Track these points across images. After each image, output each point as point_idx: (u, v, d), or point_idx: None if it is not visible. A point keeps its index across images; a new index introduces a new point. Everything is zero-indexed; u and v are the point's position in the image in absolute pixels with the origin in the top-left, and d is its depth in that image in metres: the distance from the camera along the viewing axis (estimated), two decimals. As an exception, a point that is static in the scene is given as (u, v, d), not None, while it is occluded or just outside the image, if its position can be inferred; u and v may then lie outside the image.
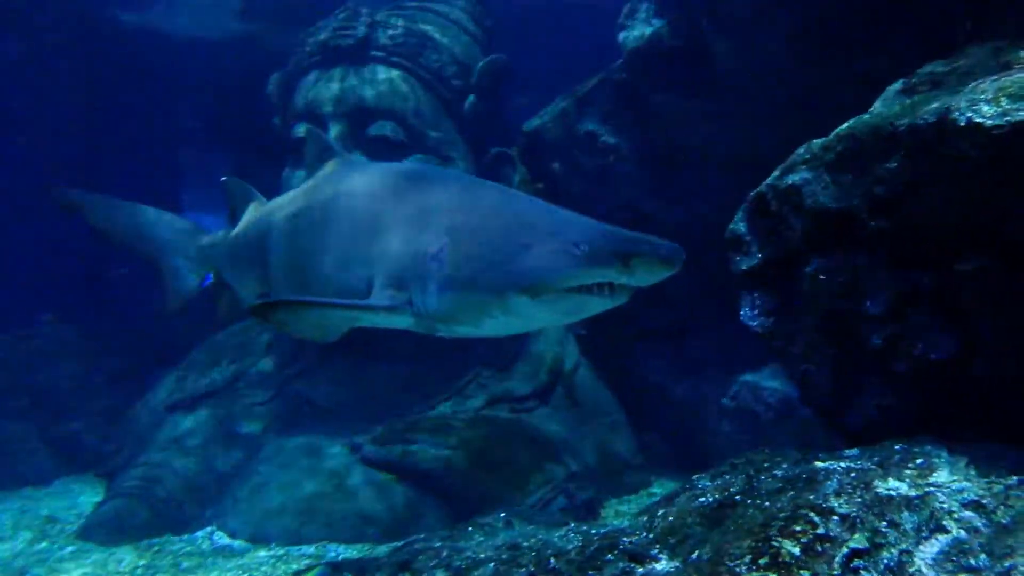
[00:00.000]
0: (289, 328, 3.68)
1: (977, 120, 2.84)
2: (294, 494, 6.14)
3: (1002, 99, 2.78)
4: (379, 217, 3.59)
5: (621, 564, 3.27)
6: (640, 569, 3.19)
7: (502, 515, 4.63)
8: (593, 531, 4.12)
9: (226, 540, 6.10)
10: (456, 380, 7.04)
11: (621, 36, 6.89)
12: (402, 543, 4.49)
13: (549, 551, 3.70)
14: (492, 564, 3.79)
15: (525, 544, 4.06)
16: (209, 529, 6.31)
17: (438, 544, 4.11)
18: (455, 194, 3.49)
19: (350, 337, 3.95)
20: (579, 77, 7.52)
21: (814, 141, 3.67)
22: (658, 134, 6.96)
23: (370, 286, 3.45)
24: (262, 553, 5.73)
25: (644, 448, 7.29)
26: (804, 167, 3.65)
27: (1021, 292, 3.12)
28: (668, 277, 3.06)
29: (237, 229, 5.05)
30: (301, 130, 7.03)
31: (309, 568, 4.73)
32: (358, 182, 3.95)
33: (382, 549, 5.29)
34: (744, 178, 4.08)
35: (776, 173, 3.81)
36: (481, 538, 4.36)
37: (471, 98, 7.77)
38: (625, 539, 3.55)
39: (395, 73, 7.53)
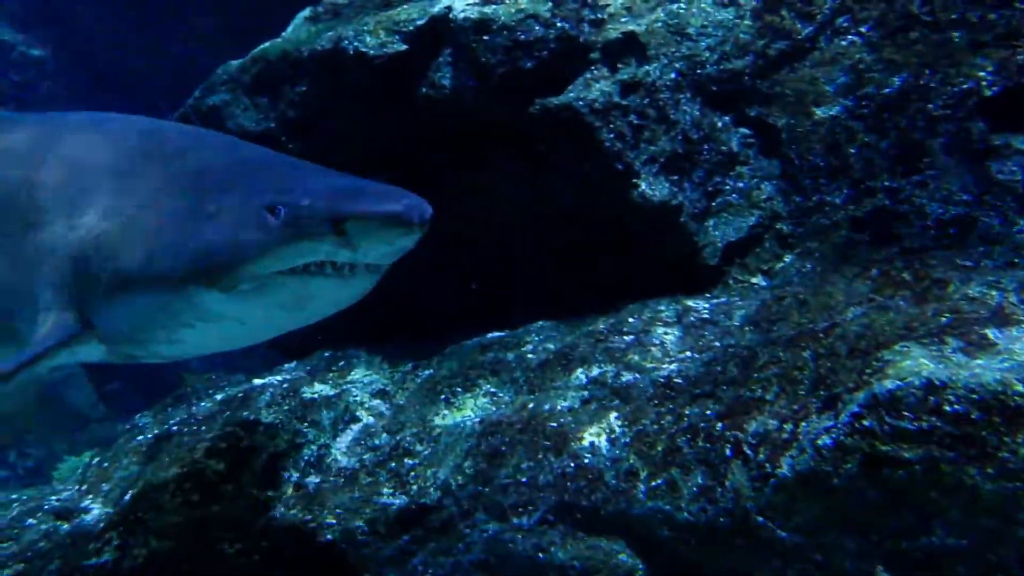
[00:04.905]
0: None
1: (363, 50, 3.14)
2: None
3: (380, 31, 3.10)
4: (32, 198, 2.41)
5: (44, 526, 2.96)
6: (66, 525, 2.94)
7: None
8: (21, 497, 3.67)
9: None
10: None
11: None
12: None
13: (-48, 536, 3.18)
14: None
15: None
16: None
17: None
18: (124, 148, 2.44)
19: None
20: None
21: (231, 63, 3.64)
22: (90, 50, 6.20)
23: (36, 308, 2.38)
24: None
25: (109, 397, 6.70)
26: (224, 88, 3.62)
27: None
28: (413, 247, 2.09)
29: None
30: None
31: None
32: None
33: None
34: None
35: (197, 93, 3.71)
36: None
37: None
38: (53, 498, 3.24)
39: None
